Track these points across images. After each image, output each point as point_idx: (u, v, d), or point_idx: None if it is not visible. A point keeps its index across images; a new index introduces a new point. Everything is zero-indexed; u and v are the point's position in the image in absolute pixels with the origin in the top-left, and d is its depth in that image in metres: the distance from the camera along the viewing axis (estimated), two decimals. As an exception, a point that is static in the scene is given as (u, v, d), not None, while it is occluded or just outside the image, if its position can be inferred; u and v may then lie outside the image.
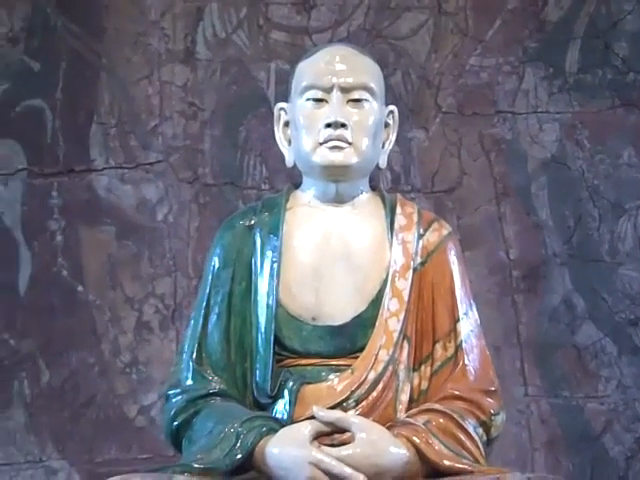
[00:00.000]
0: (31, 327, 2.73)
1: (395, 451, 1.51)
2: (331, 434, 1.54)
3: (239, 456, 1.50)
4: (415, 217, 1.71)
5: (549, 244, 2.83)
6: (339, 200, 1.72)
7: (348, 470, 1.47)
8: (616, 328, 2.78)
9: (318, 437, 1.53)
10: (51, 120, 2.81)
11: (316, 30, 2.94)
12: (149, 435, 2.69)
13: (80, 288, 2.78)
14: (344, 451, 1.49)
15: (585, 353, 2.78)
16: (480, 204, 2.85)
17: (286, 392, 1.60)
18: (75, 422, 2.68)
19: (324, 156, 1.66)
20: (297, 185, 1.78)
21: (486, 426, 1.61)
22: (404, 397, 1.64)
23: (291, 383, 1.60)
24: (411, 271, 1.67)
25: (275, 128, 1.77)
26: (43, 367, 2.73)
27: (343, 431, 1.54)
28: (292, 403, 1.58)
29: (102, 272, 2.79)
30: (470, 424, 1.59)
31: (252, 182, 2.87)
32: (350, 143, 1.65)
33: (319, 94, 1.67)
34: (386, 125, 1.74)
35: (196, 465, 1.49)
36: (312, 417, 1.55)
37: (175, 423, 1.62)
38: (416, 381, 1.66)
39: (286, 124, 1.75)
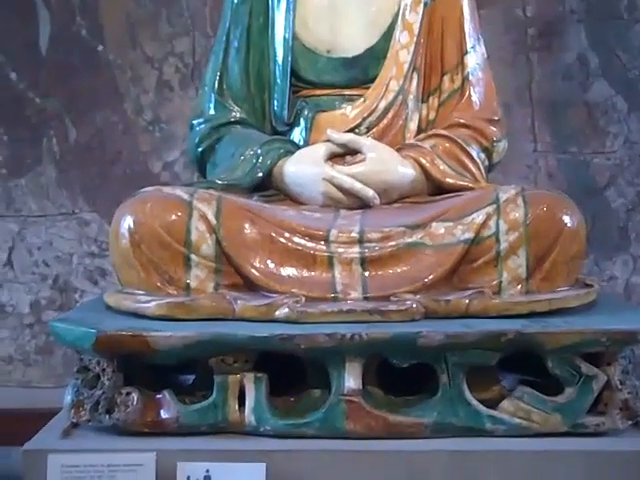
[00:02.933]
0: (55, 86, 2.76)
1: (403, 169, 1.63)
2: (343, 156, 1.64)
3: (260, 174, 1.63)
4: None
5: (567, 0, 2.79)
6: None
7: (358, 185, 1.59)
8: (628, 85, 2.78)
9: (332, 158, 1.64)
10: None
11: None
12: None
13: (100, 47, 2.78)
14: (355, 168, 1.61)
15: (596, 110, 2.79)
16: (496, -39, 2.79)
17: (302, 120, 1.70)
18: (103, 177, 2.76)
19: None
20: None
21: (488, 152, 1.72)
22: (412, 125, 1.74)
23: (307, 111, 1.70)
24: (422, 5, 1.73)
25: None
26: (69, 125, 2.77)
27: (355, 154, 1.64)
28: (308, 129, 1.69)
29: (121, 31, 2.78)
30: (473, 149, 1.69)
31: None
32: None
33: None
34: None
35: (220, 182, 1.62)
36: (326, 141, 1.65)
37: (199, 149, 1.74)
38: (424, 111, 1.76)
39: None
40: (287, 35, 1.70)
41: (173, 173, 2.79)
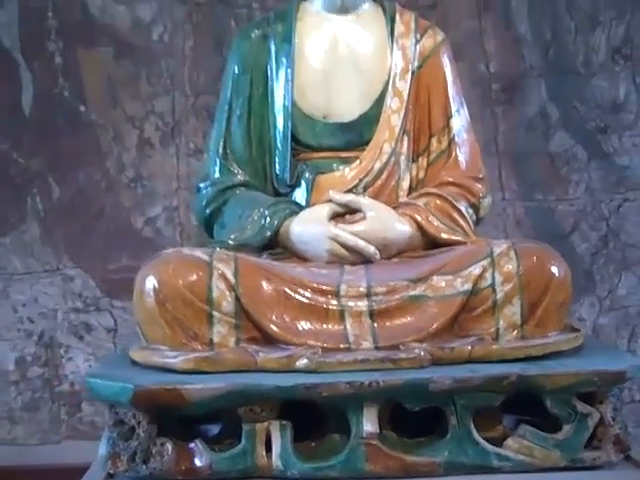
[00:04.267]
0: (38, 146, 2.81)
1: (400, 226, 1.76)
2: (344, 215, 1.77)
3: (268, 233, 1.74)
4: (412, 25, 1.89)
5: (527, 57, 2.91)
6: (344, 10, 1.89)
7: (361, 242, 1.71)
8: (587, 135, 2.92)
9: (334, 217, 1.76)
10: (40, -60, 2.83)
11: None
12: (156, 244, 2.79)
13: (82, 108, 2.83)
14: (357, 227, 1.74)
15: (558, 159, 2.91)
16: (462, 19, 2.91)
17: (303, 181, 1.83)
18: (87, 234, 2.80)
19: None
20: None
21: (475, 207, 1.86)
22: (405, 184, 1.87)
23: (307, 173, 1.83)
24: (410, 73, 1.87)
25: None
26: (53, 184, 2.81)
27: (354, 213, 1.77)
28: (309, 190, 1.81)
29: (102, 92, 2.84)
30: (462, 205, 1.83)
31: (243, 0, 2.91)
32: None
33: None
34: None
35: (232, 242, 1.73)
36: (328, 201, 1.78)
37: (207, 211, 1.86)
38: (415, 171, 1.89)
39: None
40: (287, 103, 1.83)
41: (155, 228, 2.85)
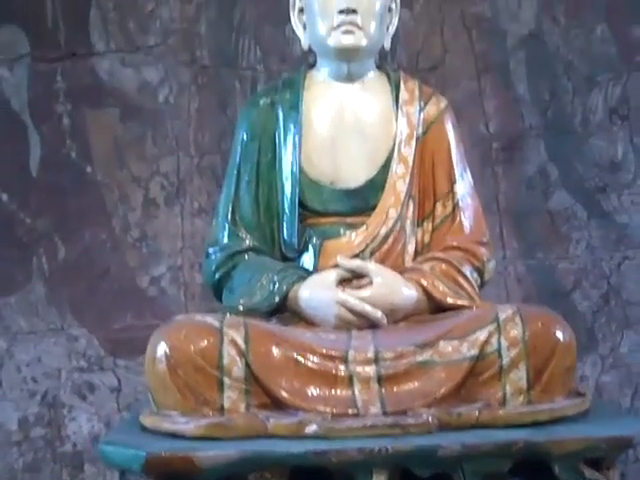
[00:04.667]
0: (45, 206, 2.84)
1: (407, 291, 1.79)
2: (351, 280, 1.80)
3: (277, 299, 1.77)
4: (416, 92, 1.94)
5: (526, 117, 2.96)
6: (350, 78, 1.93)
7: (368, 308, 1.74)
8: (586, 194, 2.96)
9: (341, 282, 1.79)
10: (51, 5, 2.85)
11: None
12: (160, 303, 2.84)
13: (89, 169, 2.87)
14: (364, 292, 1.76)
15: (558, 218, 2.94)
16: (462, 80, 2.95)
17: (310, 247, 1.86)
18: (92, 293, 2.82)
19: (338, 39, 1.87)
20: (311, 65, 1.97)
21: (480, 271, 1.89)
22: (410, 248, 1.91)
23: (314, 239, 1.86)
24: (414, 140, 1.91)
25: (290, 14, 1.96)
26: (59, 243, 2.83)
27: (361, 277, 1.80)
28: (316, 256, 1.84)
29: (109, 153, 2.87)
30: (467, 269, 1.86)
31: (247, 63, 2.94)
32: (360, 27, 1.86)
33: None
34: (389, 10, 1.93)
35: (241, 307, 1.76)
36: (335, 266, 1.81)
37: (216, 276, 1.89)
38: (420, 235, 1.93)
39: (301, 10, 1.93)
40: (294, 169, 1.87)
41: (160, 288, 2.86)
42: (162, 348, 1.61)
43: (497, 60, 2.96)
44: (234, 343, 1.62)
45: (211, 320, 1.65)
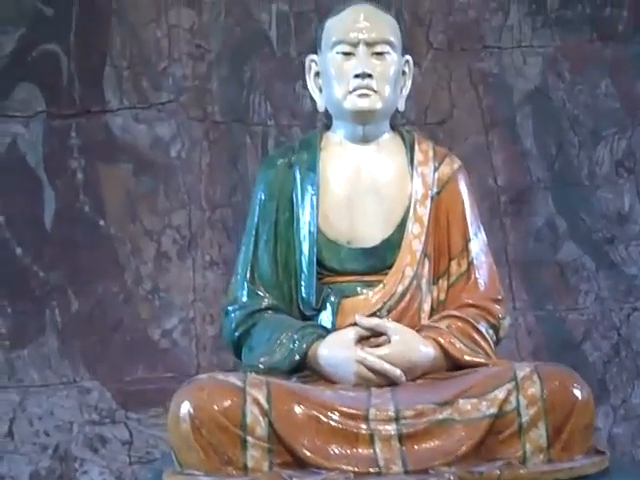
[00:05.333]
0: (58, 259, 2.89)
1: (424, 349, 1.81)
2: (369, 338, 1.82)
3: (297, 357, 1.80)
4: (431, 153, 1.99)
5: (533, 170, 3.03)
6: (366, 140, 1.98)
7: (387, 366, 1.77)
8: (594, 246, 3.01)
9: (359, 340, 1.81)
10: (66, 63, 2.93)
11: (313, -27, 3.05)
12: (172, 356, 2.89)
13: (102, 222, 2.92)
14: (383, 350, 1.79)
15: (567, 269, 3.00)
16: (469, 135, 3.03)
17: (328, 305, 1.89)
18: (104, 346, 2.86)
19: (354, 103, 1.92)
20: (327, 126, 2.02)
21: (495, 328, 1.92)
22: (426, 306, 1.94)
23: (332, 297, 1.89)
24: (429, 199, 1.95)
25: (306, 77, 2.01)
26: (72, 296, 2.88)
27: (378, 335, 1.82)
28: (335, 314, 1.87)
29: (122, 207, 2.94)
30: (483, 326, 1.89)
31: (258, 119, 3.02)
32: (375, 91, 1.91)
33: (347, 48, 1.93)
34: (403, 73, 1.98)
35: (262, 366, 1.79)
36: (353, 324, 1.83)
37: (236, 334, 1.92)
38: (435, 293, 1.96)
39: (317, 74, 1.98)
40: (312, 229, 1.91)
41: (172, 340, 2.90)
42: (185, 407, 1.63)
43: (504, 115, 3.03)
44: (257, 402, 1.64)
45: (233, 379, 1.67)
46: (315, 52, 2.02)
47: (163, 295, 2.91)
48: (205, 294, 2.93)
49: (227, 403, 1.63)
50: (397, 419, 1.65)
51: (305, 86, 2.05)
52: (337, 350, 1.78)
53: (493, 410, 1.65)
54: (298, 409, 1.65)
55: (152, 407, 2.84)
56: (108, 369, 2.88)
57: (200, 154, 2.99)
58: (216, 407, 1.62)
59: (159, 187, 2.96)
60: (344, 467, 1.59)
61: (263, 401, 1.64)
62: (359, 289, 1.89)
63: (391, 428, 1.64)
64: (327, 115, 2.03)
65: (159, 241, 2.94)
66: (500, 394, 1.66)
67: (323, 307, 1.89)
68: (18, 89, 2.92)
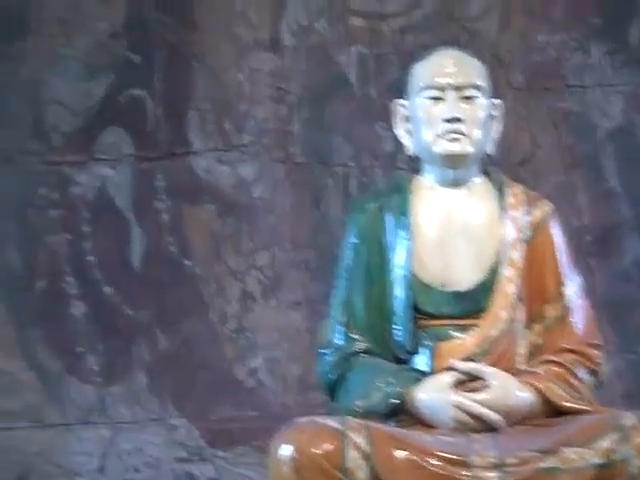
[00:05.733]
0: (146, 299, 2.96)
1: (522, 394, 1.81)
2: (465, 383, 1.82)
3: (394, 401, 1.80)
4: (522, 197, 1.99)
5: (619, 210, 3.01)
6: (456, 184, 1.99)
7: (486, 410, 1.77)
8: (685, 285, 2.96)
9: (456, 385, 1.81)
10: (152, 107, 3.02)
11: (392, 15, 3.08)
12: (258, 395, 2.92)
13: (187, 262, 2.99)
14: (481, 395, 1.79)
15: (656, 310, 2.96)
16: (552, 174, 3.02)
17: (423, 348, 1.89)
18: (191, 384, 2.90)
19: (444, 147, 1.93)
20: (416, 171, 2.04)
21: (595, 373, 1.91)
22: (522, 351, 1.92)
23: (427, 341, 1.89)
24: (522, 243, 1.94)
25: (395, 121, 2.03)
26: (159, 334, 2.94)
27: (474, 380, 1.82)
28: (431, 358, 1.86)
29: (206, 247, 2.99)
30: (581, 372, 1.88)
31: (338, 160, 3.06)
32: (465, 135, 1.92)
33: (436, 93, 1.95)
34: (492, 117, 1.99)
35: (358, 409, 1.80)
36: (449, 368, 1.83)
37: (331, 377, 1.93)
38: (531, 337, 1.94)
39: (406, 118, 2.00)
40: (406, 273, 1.92)
41: (257, 379, 2.92)
42: (287, 450, 1.65)
43: (586, 154, 3.00)
44: (357, 446, 1.65)
45: (333, 423, 1.68)
46: (399, 95, 2.03)
47: (248, 335, 2.94)
48: (289, 334, 2.96)
49: (328, 446, 1.64)
50: (500, 466, 1.65)
51: (385, 127, 2.08)
52: (434, 394, 1.79)
53: (599, 459, 1.64)
54: (399, 453, 1.65)
55: (238, 445, 2.87)
56: (195, 407, 2.92)
57: (283, 195, 3.02)
58: (317, 450, 1.64)
59: (243, 228, 3.00)
60: (445, 512, 1.59)
61: (364, 445, 1.65)
62: (453, 332, 1.89)
63: (493, 475, 1.64)
64: (415, 159, 2.04)
65: (244, 281, 2.97)
66: (605, 443, 1.65)
67: (417, 351, 1.90)
68: (106, 133, 3.01)
